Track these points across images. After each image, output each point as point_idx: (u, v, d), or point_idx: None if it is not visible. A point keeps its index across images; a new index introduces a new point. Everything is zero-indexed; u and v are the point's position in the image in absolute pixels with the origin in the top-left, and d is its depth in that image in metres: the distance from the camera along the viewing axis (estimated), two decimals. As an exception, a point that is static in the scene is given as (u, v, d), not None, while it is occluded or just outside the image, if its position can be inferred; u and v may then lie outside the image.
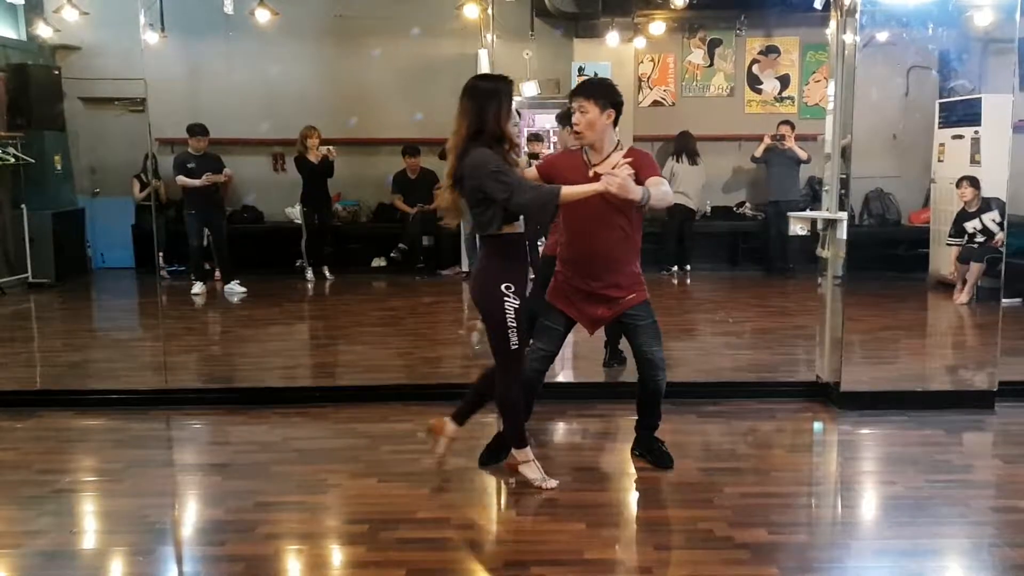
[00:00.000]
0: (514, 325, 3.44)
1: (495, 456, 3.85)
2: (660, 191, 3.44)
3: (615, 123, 3.62)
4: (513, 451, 3.66)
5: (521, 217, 3.47)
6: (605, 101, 3.56)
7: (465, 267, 9.10)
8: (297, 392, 5.03)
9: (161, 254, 8.54)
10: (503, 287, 3.42)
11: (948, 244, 7.15)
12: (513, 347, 3.47)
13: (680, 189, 8.86)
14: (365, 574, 2.97)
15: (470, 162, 3.34)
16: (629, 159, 3.49)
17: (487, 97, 3.38)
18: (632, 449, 3.96)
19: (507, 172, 3.33)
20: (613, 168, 3.37)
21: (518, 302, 3.44)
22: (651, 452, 3.87)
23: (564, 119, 5.06)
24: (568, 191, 3.35)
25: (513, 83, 3.48)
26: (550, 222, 3.42)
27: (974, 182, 6.82)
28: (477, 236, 3.57)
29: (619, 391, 4.62)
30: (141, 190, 9.20)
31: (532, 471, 3.61)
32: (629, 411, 3.99)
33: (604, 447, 4.30)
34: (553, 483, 3.59)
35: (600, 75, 9.30)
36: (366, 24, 9.38)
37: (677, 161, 9.25)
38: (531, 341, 3.72)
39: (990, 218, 6.73)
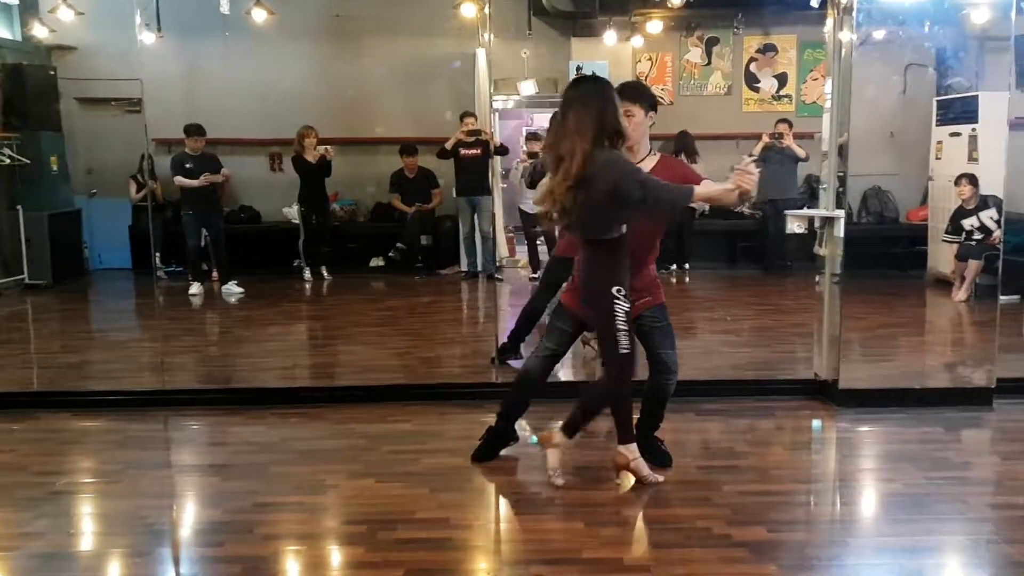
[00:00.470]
0: (624, 328, 3.41)
1: (489, 452, 3.88)
2: None
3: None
4: (622, 448, 3.61)
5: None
6: (648, 104, 3.63)
7: (464, 267, 9.09)
8: (295, 392, 5.01)
9: (158, 255, 8.54)
10: (614, 290, 3.40)
11: (944, 240, 7.16)
12: (623, 351, 3.43)
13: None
14: (364, 574, 2.97)
15: (602, 162, 3.30)
16: (754, 157, 3.53)
17: (603, 100, 3.37)
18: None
19: (640, 171, 3.36)
20: (743, 166, 3.39)
21: (628, 305, 3.42)
22: (650, 451, 3.86)
23: None
24: (700, 191, 3.38)
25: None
26: (676, 221, 3.42)
27: (972, 179, 6.82)
28: (587, 240, 3.46)
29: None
30: (138, 191, 9.19)
31: (643, 467, 3.60)
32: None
33: (603, 446, 4.29)
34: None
35: (598, 74, 9.38)
36: (363, 24, 9.38)
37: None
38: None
39: (988, 215, 6.74)
